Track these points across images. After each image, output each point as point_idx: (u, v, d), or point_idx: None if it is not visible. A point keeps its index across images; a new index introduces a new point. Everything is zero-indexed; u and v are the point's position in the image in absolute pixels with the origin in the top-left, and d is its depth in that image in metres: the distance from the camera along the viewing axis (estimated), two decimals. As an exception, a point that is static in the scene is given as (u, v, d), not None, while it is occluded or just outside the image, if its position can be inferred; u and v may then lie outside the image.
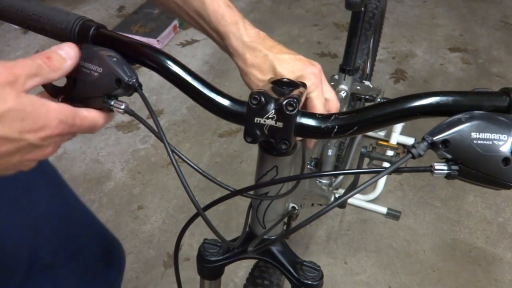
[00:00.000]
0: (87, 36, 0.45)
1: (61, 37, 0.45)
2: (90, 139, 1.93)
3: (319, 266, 0.61)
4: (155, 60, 0.45)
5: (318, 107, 0.50)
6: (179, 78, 0.45)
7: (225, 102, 0.45)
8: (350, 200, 1.64)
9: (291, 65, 0.51)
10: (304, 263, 0.61)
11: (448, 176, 0.38)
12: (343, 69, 1.04)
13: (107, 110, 0.43)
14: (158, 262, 1.46)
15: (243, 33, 0.52)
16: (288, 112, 0.41)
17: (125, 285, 1.40)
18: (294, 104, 0.41)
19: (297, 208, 0.66)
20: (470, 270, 1.43)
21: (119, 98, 0.44)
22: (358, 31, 0.98)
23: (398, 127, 1.57)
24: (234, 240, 0.61)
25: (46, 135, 0.37)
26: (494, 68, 2.34)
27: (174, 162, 0.41)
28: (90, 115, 0.42)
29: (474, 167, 0.37)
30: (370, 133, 1.87)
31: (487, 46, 2.51)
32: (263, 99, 0.41)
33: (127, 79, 0.42)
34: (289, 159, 0.53)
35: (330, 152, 1.20)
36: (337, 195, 1.26)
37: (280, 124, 0.42)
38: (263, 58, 0.52)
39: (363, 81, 1.36)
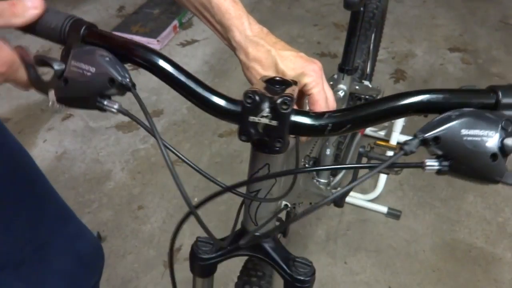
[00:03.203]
0: (78, 35, 0.44)
1: (51, 37, 0.44)
2: (90, 139, 1.94)
3: (311, 262, 0.61)
4: (147, 59, 0.44)
5: (320, 103, 0.51)
6: (172, 77, 0.45)
7: (220, 101, 0.45)
8: (350, 200, 1.64)
9: (292, 62, 0.52)
10: (296, 259, 0.62)
11: (438, 172, 0.39)
12: (341, 69, 1.04)
13: (101, 109, 0.43)
14: (158, 262, 1.46)
15: (246, 27, 0.53)
16: (282, 111, 0.41)
17: (125, 285, 1.40)
18: (288, 103, 0.41)
19: (289, 206, 0.67)
20: (470, 270, 1.43)
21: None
22: (357, 31, 0.98)
23: (398, 126, 1.57)
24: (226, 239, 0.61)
25: None
26: (493, 68, 2.34)
27: (166, 156, 0.41)
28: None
29: (464, 163, 0.38)
30: (370, 133, 1.87)
31: (487, 46, 2.51)
32: (257, 97, 0.42)
33: (120, 78, 0.42)
34: (282, 157, 0.53)
35: (328, 152, 1.20)
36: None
37: (274, 123, 0.42)
38: (265, 53, 0.52)
39: (363, 81, 1.36)
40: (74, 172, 1.78)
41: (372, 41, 1.61)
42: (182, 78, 0.45)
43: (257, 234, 0.61)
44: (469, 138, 0.37)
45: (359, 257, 1.48)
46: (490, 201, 1.65)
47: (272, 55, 0.52)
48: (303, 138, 0.55)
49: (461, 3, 2.93)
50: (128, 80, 0.42)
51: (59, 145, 1.91)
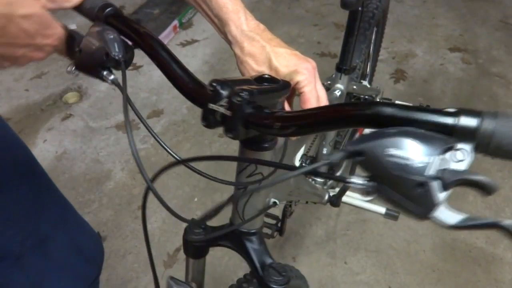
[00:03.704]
0: (102, 16, 0.52)
1: (88, 16, 0.53)
2: (90, 139, 1.94)
3: (286, 272, 0.60)
4: (148, 44, 0.50)
5: (311, 102, 0.51)
6: (162, 59, 0.50)
7: (190, 84, 0.48)
8: (348, 200, 1.63)
9: (286, 59, 0.52)
10: (273, 265, 0.61)
11: (367, 192, 0.36)
12: (339, 68, 1.05)
13: (101, 79, 0.50)
14: (158, 262, 1.46)
15: (243, 22, 0.54)
16: (235, 102, 0.42)
17: (125, 285, 1.40)
18: (243, 95, 0.42)
19: (278, 203, 0.68)
20: (470, 270, 1.43)
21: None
22: (355, 31, 0.98)
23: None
24: (218, 227, 0.64)
25: (48, 43, 0.47)
26: (494, 68, 2.34)
27: (128, 127, 0.44)
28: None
29: (389, 187, 0.34)
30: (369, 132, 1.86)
31: (487, 46, 2.51)
32: (219, 86, 0.43)
33: (113, 53, 0.48)
34: (269, 155, 0.54)
35: (325, 151, 1.21)
36: (331, 194, 1.26)
37: (228, 113, 0.43)
38: (260, 49, 0.53)
39: (361, 81, 1.36)
40: (74, 172, 1.78)
41: (372, 41, 1.61)
42: (170, 61, 0.50)
43: (243, 230, 0.62)
44: (392, 159, 0.32)
45: (359, 257, 1.48)
46: (491, 201, 1.65)
47: (266, 51, 0.53)
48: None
49: (461, 3, 2.93)
50: (120, 56, 0.48)
51: (59, 145, 1.91)
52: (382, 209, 1.59)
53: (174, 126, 1.99)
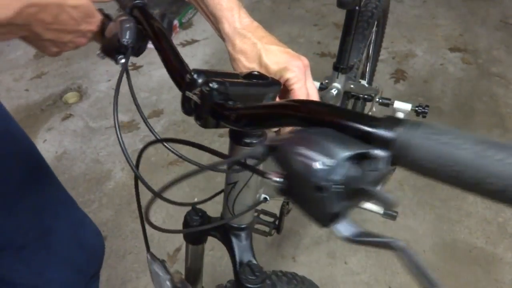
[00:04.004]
0: (129, 5, 0.57)
1: (121, 6, 0.59)
2: (90, 139, 1.94)
3: (261, 274, 0.60)
4: (157, 37, 0.54)
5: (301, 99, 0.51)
6: (164, 52, 0.53)
7: (178, 68, 0.51)
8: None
9: (277, 56, 0.52)
10: (251, 264, 0.62)
11: (280, 190, 0.34)
12: (336, 67, 1.05)
13: (115, 62, 0.55)
14: (158, 262, 1.46)
15: (236, 19, 0.54)
16: (204, 91, 0.43)
17: (125, 285, 1.40)
18: (211, 85, 0.43)
19: (268, 199, 0.68)
20: (470, 270, 1.43)
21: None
22: (352, 30, 0.98)
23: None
24: (213, 219, 0.68)
25: (91, 29, 0.51)
26: (494, 68, 2.34)
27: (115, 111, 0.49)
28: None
29: (295, 187, 0.32)
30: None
31: (487, 46, 2.51)
32: (196, 75, 0.45)
33: (122, 39, 0.52)
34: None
35: None
36: None
37: (199, 101, 0.45)
38: (251, 46, 0.53)
39: (360, 80, 1.36)
40: (74, 172, 1.78)
41: (372, 41, 1.61)
42: (168, 49, 0.53)
43: (232, 224, 0.63)
44: (299, 158, 0.31)
45: (359, 257, 1.48)
46: (491, 201, 1.65)
47: (257, 48, 0.53)
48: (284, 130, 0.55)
49: (461, 2, 2.93)
50: (128, 43, 0.53)
51: (59, 145, 1.91)
52: (380, 209, 1.59)
53: (174, 126, 1.99)
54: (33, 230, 0.78)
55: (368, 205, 1.61)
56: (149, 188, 0.48)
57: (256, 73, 0.48)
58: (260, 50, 0.53)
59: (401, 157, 0.29)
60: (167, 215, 1.59)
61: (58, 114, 2.07)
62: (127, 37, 0.53)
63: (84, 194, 1.69)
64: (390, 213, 1.57)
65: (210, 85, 0.43)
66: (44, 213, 0.79)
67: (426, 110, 1.38)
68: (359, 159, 0.30)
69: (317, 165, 0.30)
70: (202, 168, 0.39)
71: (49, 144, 1.91)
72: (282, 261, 1.45)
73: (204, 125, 0.46)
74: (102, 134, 1.96)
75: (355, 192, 0.30)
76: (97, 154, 1.86)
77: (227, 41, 0.55)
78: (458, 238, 1.53)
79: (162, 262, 0.70)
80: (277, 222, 0.97)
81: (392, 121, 0.30)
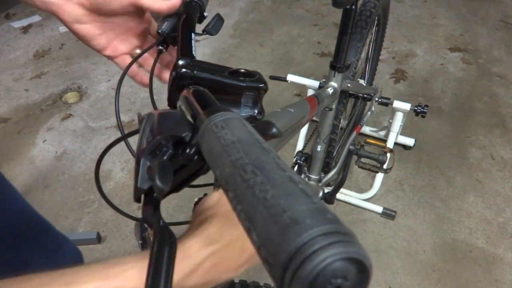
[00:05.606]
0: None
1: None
2: (90, 139, 1.94)
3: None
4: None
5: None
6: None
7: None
8: (345, 198, 1.63)
9: None
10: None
11: None
12: (333, 66, 1.05)
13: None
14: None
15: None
16: (176, 71, 0.47)
17: (125, 285, 1.40)
18: (180, 62, 0.47)
19: None
20: (471, 270, 1.43)
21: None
22: (348, 29, 0.98)
23: (396, 126, 1.57)
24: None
25: None
26: (494, 68, 2.34)
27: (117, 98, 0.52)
28: None
29: None
30: (369, 132, 1.87)
31: (487, 46, 2.51)
32: (180, 60, 0.47)
33: (159, 29, 0.58)
34: None
35: (319, 148, 1.21)
36: (326, 191, 1.26)
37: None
38: None
39: (358, 79, 1.36)
40: (74, 172, 1.78)
41: (372, 41, 1.61)
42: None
43: None
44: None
45: (359, 257, 1.47)
46: (491, 201, 1.65)
47: None
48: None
49: (461, 2, 2.92)
50: (164, 31, 0.58)
51: (59, 145, 1.91)
52: (379, 208, 1.59)
53: (174, 126, 1.99)
54: (9, 265, 0.76)
55: (368, 205, 1.61)
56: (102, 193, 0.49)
57: (243, 70, 0.48)
58: None
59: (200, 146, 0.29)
60: (167, 215, 1.59)
61: (58, 114, 2.07)
62: (163, 27, 0.58)
63: (84, 194, 1.69)
64: (389, 213, 1.57)
65: (179, 62, 0.45)
66: (18, 248, 0.78)
67: (425, 110, 1.38)
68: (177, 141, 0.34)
69: (143, 140, 0.36)
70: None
71: (49, 144, 1.91)
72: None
73: (171, 106, 0.48)
74: (102, 134, 1.96)
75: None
76: (97, 154, 1.86)
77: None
78: (458, 238, 1.52)
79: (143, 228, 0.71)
80: None
81: (212, 109, 0.31)
